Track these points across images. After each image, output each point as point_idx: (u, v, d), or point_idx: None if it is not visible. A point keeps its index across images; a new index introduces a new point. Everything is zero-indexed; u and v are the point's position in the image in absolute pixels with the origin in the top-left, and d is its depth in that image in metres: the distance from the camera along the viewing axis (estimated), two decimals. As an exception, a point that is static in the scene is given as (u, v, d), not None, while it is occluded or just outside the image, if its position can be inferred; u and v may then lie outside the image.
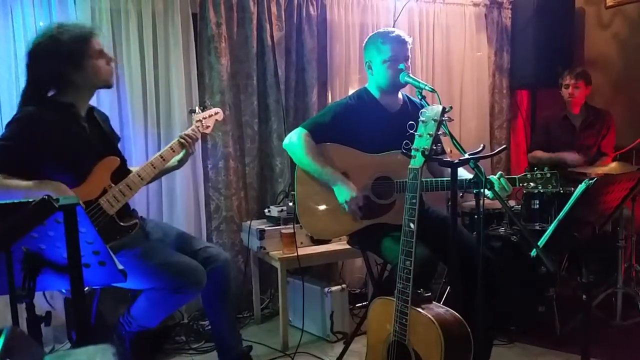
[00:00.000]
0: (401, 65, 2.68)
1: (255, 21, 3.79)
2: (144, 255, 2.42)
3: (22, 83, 3.12)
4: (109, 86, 2.61)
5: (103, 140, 2.62)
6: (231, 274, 2.77)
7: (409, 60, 2.76)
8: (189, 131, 2.81)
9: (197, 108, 2.97)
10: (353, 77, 4.17)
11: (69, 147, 2.41)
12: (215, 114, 2.99)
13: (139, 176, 2.57)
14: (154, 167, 2.64)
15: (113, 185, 2.48)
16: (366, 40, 2.85)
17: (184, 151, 2.79)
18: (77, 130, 2.49)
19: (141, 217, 2.79)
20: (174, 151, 2.73)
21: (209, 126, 2.94)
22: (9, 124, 2.37)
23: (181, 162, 2.85)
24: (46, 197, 1.41)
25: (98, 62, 2.47)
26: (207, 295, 2.74)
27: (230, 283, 2.77)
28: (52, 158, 2.36)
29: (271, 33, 3.85)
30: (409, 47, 2.76)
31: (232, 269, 2.83)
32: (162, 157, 2.68)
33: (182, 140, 2.75)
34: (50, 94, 2.48)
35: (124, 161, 2.66)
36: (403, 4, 4.20)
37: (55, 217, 1.45)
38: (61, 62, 2.38)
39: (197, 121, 2.89)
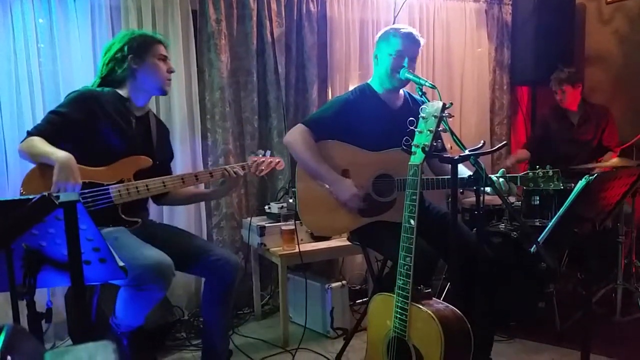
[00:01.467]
0: (405, 63, 2.67)
1: (255, 18, 3.78)
2: (115, 247, 2.38)
3: (22, 79, 3.17)
4: (162, 92, 2.71)
5: (145, 144, 2.69)
6: (237, 278, 2.71)
7: (415, 61, 2.73)
8: (238, 166, 2.76)
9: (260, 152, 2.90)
10: (353, 73, 4.16)
11: (107, 131, 2.53)
12: (277, 163, 2.87)
13: (163, 182, 2.58)
14: (183, 182, 2.64)
15: (133, 180, 2.51)
16: (379, 34, 2.82)
17: (225, 183, 2.78)
18: (123, 121, 2.60)
19: (151, 220, 2.81)
20: (212, 176, 2.70)
21: (263, 170, 2.80)
22: (68, 95, 2.59)
23: (219, 194, 2.95)
24: (46, 194, 1.41)
25: (159, 62, 2.64)
26: (208, 293, 2.72)
27: (234, 288, 2.72)
28: (88, 135, 2.50)
29: (271, 30, 3.84)
30: (419, 48, 2.74)
31: (239, 275, 2.79)
32: (195, 176, 2.66)
33: (226, 172, 2.71)
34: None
35: (164, 174, 2.68)
36: (403, 0, 4.19)
37: (56, 214, 1.45)
38: (127, 50, 2.59)
39: (252, 161, 2.80)
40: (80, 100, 2.53)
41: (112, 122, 2.55)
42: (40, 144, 2.39)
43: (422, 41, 2.76)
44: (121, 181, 2.50)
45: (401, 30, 2.72)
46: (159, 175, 2.63)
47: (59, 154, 2.33)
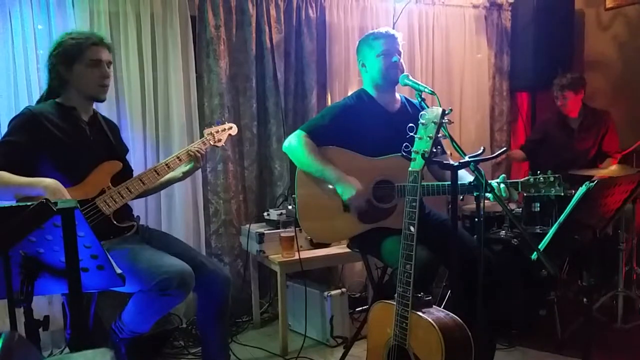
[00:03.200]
0: (394, 58, 2.73)
1: (254, 24, 3.78)
2: (132, 256, 2.40)
3: (20, 85, 3.17)
4: (96, 99, 2.60)
5: (106, 146, 2.65)
6: (230, 294, 2.71)
7: (402, 55, 2.79)
8: (198, 143, 2.81)
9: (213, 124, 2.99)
10: (352, 79, 4.16)
11: (66, 145, 2.45)
12: (229, 128, 2.99)
13: (141, 180, 2.57)
14: (158, 174, 2.64)
15: (112, 187, 2.49)
16: (358, 42, 2.89)
17: (191, 164, 2.79)
18: (77, 131, 2.54)
19: (143, 224, 2.79)
20: (180, 160, 2.72)
21: (221, 140, 2.92)
22: (10, 121, 2.45)
23: (186, 174, 2.85)
24: (44, 200, 1.40)
25: (87, 70, 2.49)
26: (202, 312, 2.71)
27: (228, 304, 2.72)
28: (49, 155, 2.41)
29: (270, 35, 3.84)
30: (399, 42, 2.80)
31: (233, 288, 2.78)
32: (167, 165, 2.67)
33: (191, 153, 2.75)
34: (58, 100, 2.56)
35: (129, 171, 2.70)
36: (402, 6, 4.19)
37: (54, 220, 1.44)
38: (58, 61, 2.49)
39: (208, 134, 2.88)
40: (28, 124, 2.40)
41: (67, 136, 2.46)
42: (12, 177, 2.27)
43: (399, 35, 2.82)
44: (102, 191, 2.48)
45: (378, 31, 2.81)
46: (127, 173, 2.64)
47: (45, 181, 2.26)
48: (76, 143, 2.50)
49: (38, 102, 2.61)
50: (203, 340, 2.79)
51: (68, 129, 2.49)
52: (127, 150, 2.87)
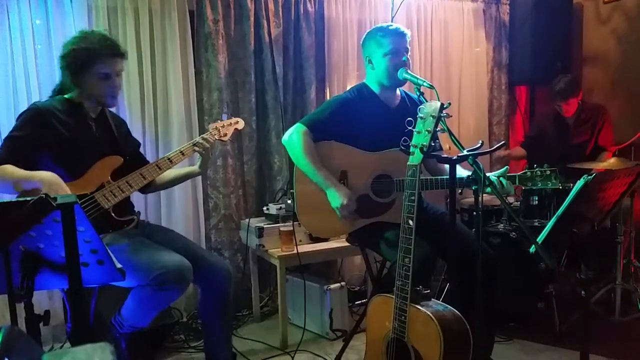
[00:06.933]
0: (404, 58, 2.69)
1: (252, 18, 3.78)
2: (131, 251, 2.41)
3: (19, 80, 3.17)
4: (105, 106, 2.64)
5: (110, 141, 2.66)
6: (232, 287, 2.72)
7: (409, 52, 2.76)
8: (204, 136, 2.81)
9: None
10: (351, 73, 4.16)
11: (70, 141, 2.47)
12: (236, 122, 2.96)
13: (142, 175, 2.58)
14: (159, 168, 2.64)
15: (112, 181, 2.50)
16: (365, 35, 2.84)
17: (201, 158, 2.81)
18: (82, 127, 2.56)
19: (143, 220, 2.80)
20: (183, 155, 2.72)
21: (227, 134, 2.90)
22: (18, 117, 2.49)
23: (202, 168, 2.89)
24: (43, 195, 1.40)
25: (97, 82, 2.51)
26: (204, 306, 2.73)
27: (230, 296, 2.72)
28: (52, 150, 2.44)
29: (268, 30, 3.84)
30: (408, 39, 2.76)
31: (234, 281, 2.79)
32: (169, 160, 2.68)
33: (195, 147, 2.75)
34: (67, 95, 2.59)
35: (140, 164, 2.70)
36: (401, 0, 4.18)
37: (53, 215, 1.45)
38: (67, 67, 2.50)
39: (213, 128, 2.87)
40: (35, 119, 2.42)
41: (71, 132, 2.48)
42: (15, 170, 2.30)
43: (408, 32, 2.77)
44: (102, 186, 2.49)
45: (387, 28, 2.74)
46: (133, 167, 2.64)
47: (43, 174, 2.29)
48: (80, 139, 2.51)
49: (51, 96, 2.64)
50: (206, 334, 2.80)
51: (73, 125, 2.51)
52: (138, 144, 2.90)
